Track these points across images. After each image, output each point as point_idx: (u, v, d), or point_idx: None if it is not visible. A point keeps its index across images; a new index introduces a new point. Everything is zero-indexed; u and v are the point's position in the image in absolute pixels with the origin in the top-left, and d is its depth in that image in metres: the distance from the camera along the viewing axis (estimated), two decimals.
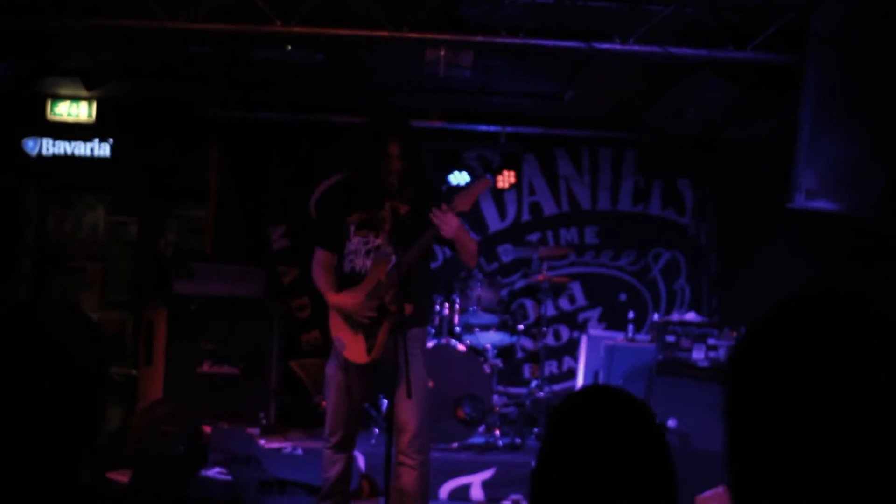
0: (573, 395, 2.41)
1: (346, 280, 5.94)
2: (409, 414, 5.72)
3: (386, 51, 7.79)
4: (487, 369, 8.89)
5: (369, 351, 5.79)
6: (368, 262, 5.86)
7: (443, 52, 7.48)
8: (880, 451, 1.43)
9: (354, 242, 5.92)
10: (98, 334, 2.25)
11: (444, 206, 5.56)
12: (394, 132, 5.79)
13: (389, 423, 5.71)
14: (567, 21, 6.93)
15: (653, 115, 9.28)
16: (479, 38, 7.00)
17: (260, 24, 6.84)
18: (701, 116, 8.61)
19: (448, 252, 8.55)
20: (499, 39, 6.95)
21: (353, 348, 5.83)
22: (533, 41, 6.92)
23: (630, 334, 9.40)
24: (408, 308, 5.68)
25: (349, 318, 5.84)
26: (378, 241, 5.88)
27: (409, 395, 5.51)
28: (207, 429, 8.24)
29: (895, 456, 1.42)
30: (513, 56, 8.09)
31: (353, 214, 5.94)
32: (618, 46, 6.90)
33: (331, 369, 5.99)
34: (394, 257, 5.68)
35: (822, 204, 6.28)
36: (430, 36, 7.04)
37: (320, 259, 6.03)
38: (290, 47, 7.84)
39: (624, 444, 2.21)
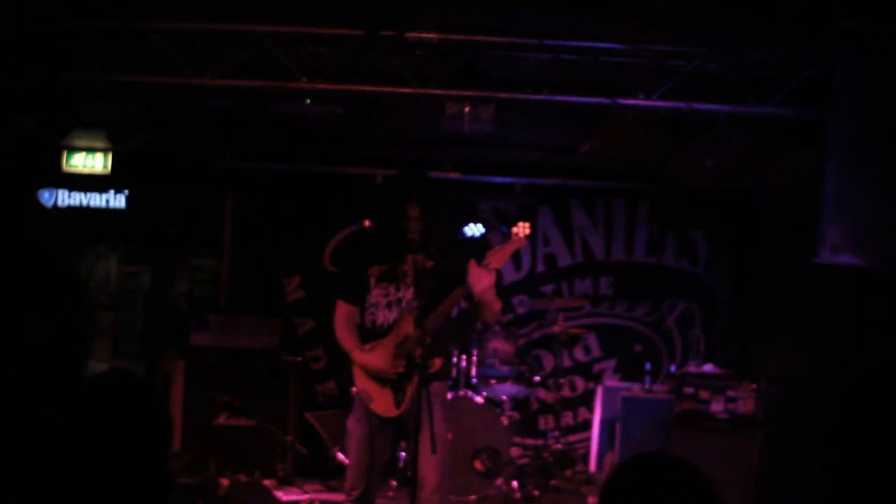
0: (623, 466, 2.37)
1: (368, 334, 5.91)
2: (430, 468, 5.67)
3: (405, 104, 7.78)
4: (504, 421, 8.89)
5: (398, 405, 5.75)
6: (391, 315, 5.84)
7: (467, 109, 7.47)
8: None
9: (375, 295, 5.90)
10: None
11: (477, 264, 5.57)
12: (413, 195, 5.73)
13: (413, 477, 5.66)
14: (589, 77, 6.92)
15: (670, 166, 9.30)
16: (502, 95, 6.96)
17: (286, 80, 6.84)
18: (719, 167, 8.63)
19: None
20: (522, 96, 6.91)
21: (381, 401, 5.80)
22: (557, 97, 6.87)
23: (647, 385, 9.39)
24: (437, 362, 5.68)
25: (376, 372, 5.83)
26: (399, 294, 5.86)
27: (433, 451, 5.47)
28: (224, 481, 8.22)
29: None
30: (531, 109, 8.08)
31: (373, 266, 5.93)
32: (642, 102, 6.88)
33: (352, 422, 5.95)
34: (419, 311, 5.66)
35: (847, 259, 6.28)
36: (454, 92, 7.00)
37: (342, 313, 6.00)
38: (308, 101, 7.82)
39: None
